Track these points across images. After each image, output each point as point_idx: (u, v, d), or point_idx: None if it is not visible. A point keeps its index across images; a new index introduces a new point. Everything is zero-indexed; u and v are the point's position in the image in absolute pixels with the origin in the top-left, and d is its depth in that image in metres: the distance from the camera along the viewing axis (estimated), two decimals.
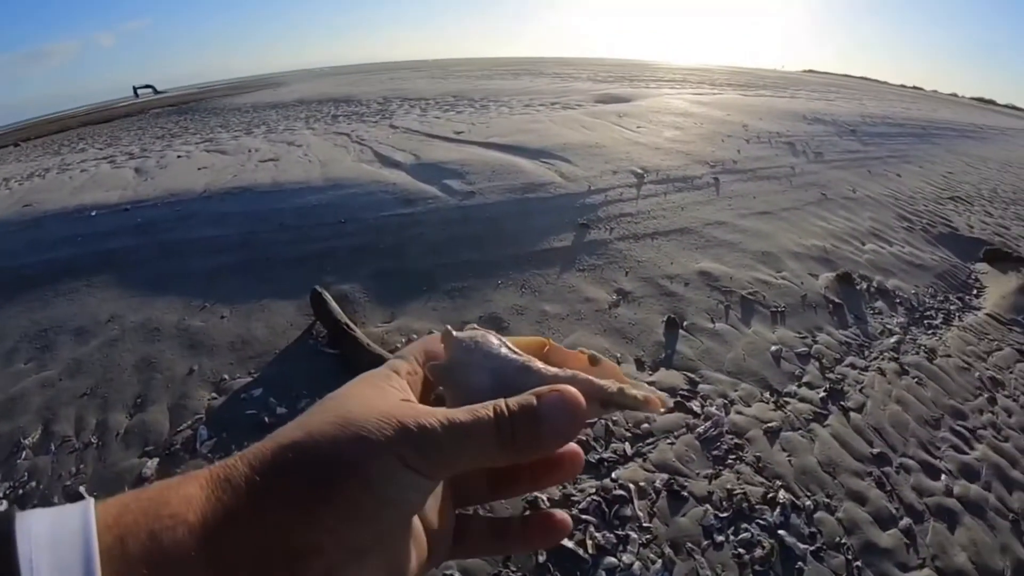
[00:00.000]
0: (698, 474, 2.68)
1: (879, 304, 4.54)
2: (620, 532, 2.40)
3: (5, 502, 2.66)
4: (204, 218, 5.86)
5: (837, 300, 4.42)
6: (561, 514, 0.49)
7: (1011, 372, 4.00)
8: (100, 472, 2.79)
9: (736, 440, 2.90)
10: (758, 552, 2.38)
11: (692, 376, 3.35)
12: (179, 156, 9.49)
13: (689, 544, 2.39)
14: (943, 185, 8.72)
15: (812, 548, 2.43)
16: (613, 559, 2.31)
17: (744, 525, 2.48)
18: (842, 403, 3.30)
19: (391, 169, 7.17)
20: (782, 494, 2.61)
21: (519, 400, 0.41)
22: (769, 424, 3.03)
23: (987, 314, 4.72)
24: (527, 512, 0.50)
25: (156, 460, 2.82)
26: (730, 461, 2.78)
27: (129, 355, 3.67)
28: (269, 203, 6.14)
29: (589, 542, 2.35)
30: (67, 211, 6.46)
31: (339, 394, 0.42)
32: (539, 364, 0.45)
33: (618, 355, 3.49)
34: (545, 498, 2.49)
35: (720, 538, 2.41)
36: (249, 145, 9.84)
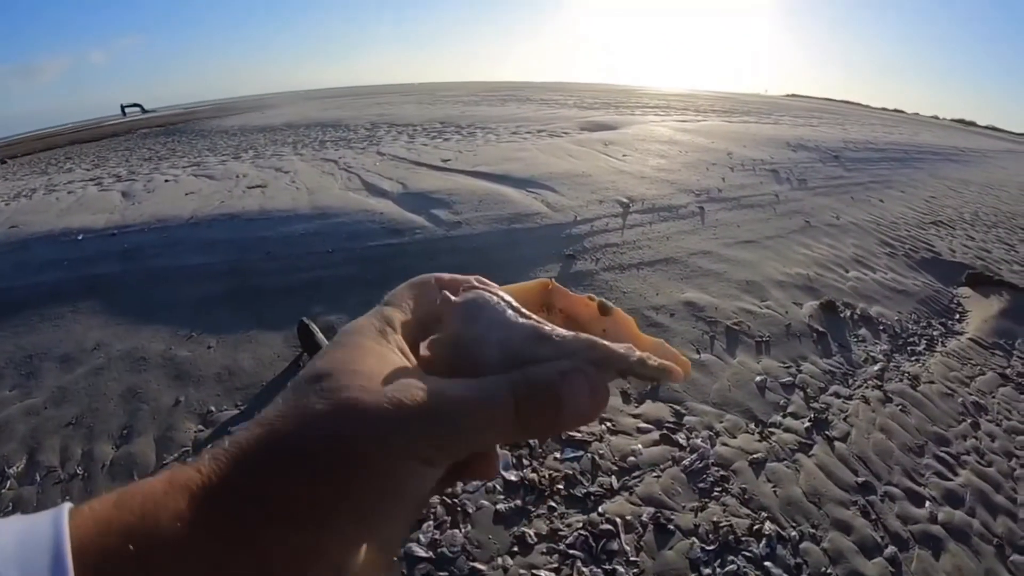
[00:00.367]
0: (684, 507, 2.70)
1: (863, 331, 4.59)
2: (607, 566, 2.40)
3: None
4: (191, 245, 5.88)
5: (821, 328, 4.47)
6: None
7: (993, 396, 4.05)
8: None
9: (722, 472, 2.93)
10: None
11: (678, 408, 3.37)
12: (166, 180, 9.53)
13: None
14: (925, 210, 8.84)
15: None
16: None
17: (731, 557, 2.49)
18: (827, 432, 3.33)
19: (378, 198, 7.22)
20: (768, 525, 2.63)
21: (539, 379, 0.37)
22: (754, 455, 3.06)
23: (970, 339, 4.78)
24: None
25: None
26: (716, 493, 2.80)
27: (115, 384, 3.66)
28: (256, 231, 6.17)
29: None
30: (53, 234, 6.47)
31: (333, 368, 0.37)
32: (548, 328, 0.40)
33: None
34: (532, 532, 2.50)
35: (707, 571, 2.42)
36: (237, 170, 9.89)
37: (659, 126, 14.97)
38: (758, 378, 3.76)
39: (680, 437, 3.14)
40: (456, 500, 2.65)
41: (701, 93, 51.71)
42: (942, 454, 3.35)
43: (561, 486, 2.77)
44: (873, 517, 2.80)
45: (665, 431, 3.18)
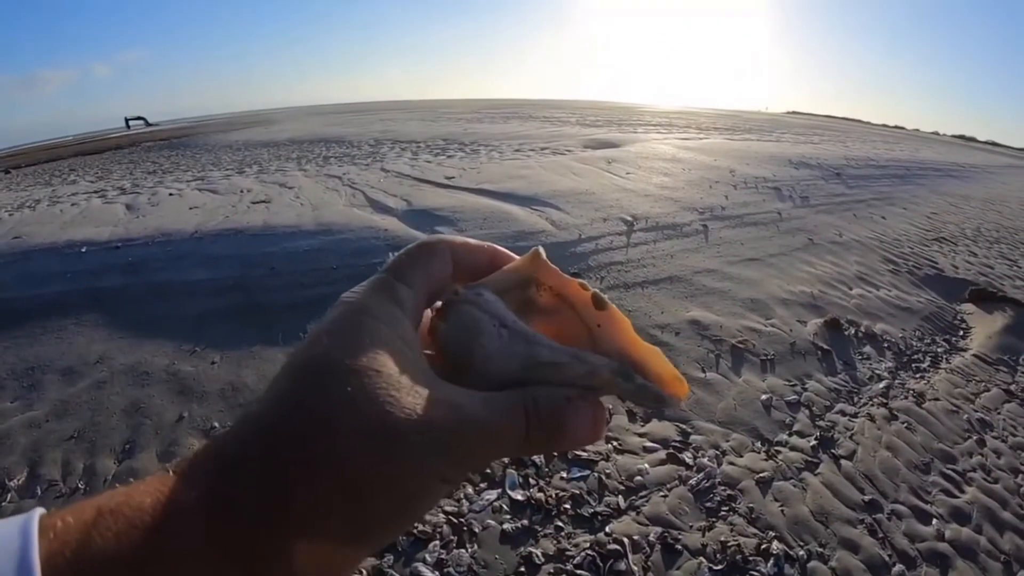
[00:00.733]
0: (691, 526, 2.70)
1: (867, 349, 4.60)
2: None
3: None
4: (195, 260, 5.88)
5: (826, 346, 4.48)
6: None
7: (999, 413, 4.04)
8: None
9: (729, 491, 2.93)
10: None
11: (684, 427, 3.37)
12: (171, 194, 9.55)
13: None
14: (927, 226, 8.86)
15: None
16: None
17: None
18: (833, 451, 3.33)
19: (382, 215, 7.25)
20: (775, 545, 2.63)
21: (547, 404, 0.38)
22: (761, 474, 3.06)
23: (974, 355, 4.77)
24: None
25: None
26: (723, 512, 2.80)
27: (118, 398, 3.64)
28: (260, 246, 6.17)
29: None
30: (57, 246, 6.47)
31: (356, 361, 0.35)
32: (546, 349, 0.40)
33: (610, 406, 3.52)
34: (540, 552, 2.50)
35: None
36: (241, 185, 9.92)
37: (662, 144, 15.04)
38: (763, 396, 3.76)
39: (686, 456, 3.14)
40: (462, 520, 2.65)
41: (703, 111, 51.92)
42: (948, 471, 3.34)
43: (568, 506, 2.77)
44: (880, 535, 2.80)
45: (671, 450, 3.18)
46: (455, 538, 2.56)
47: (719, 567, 2.51)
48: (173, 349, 4.20)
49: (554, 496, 2.81)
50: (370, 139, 17.37)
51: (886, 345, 4.71)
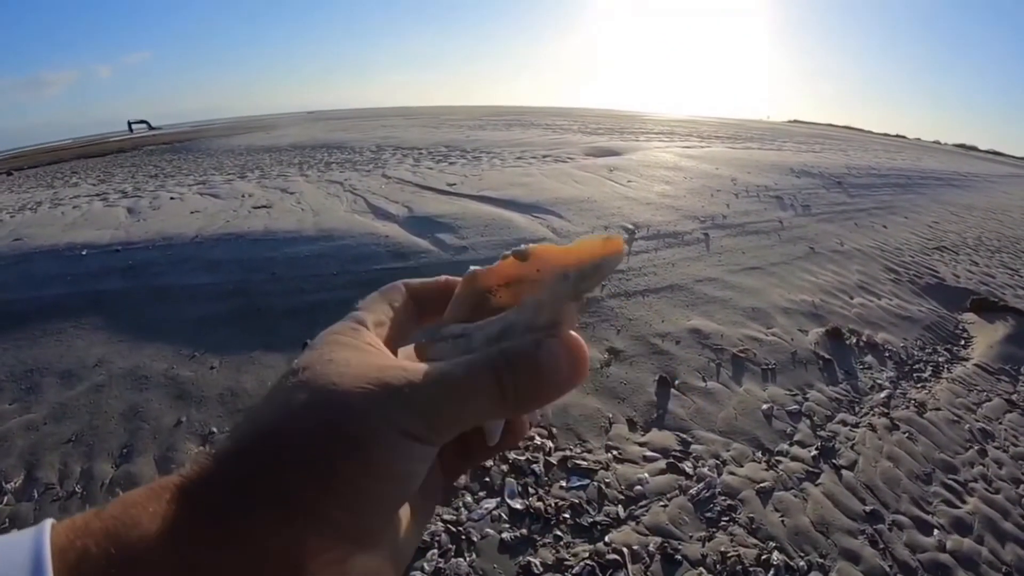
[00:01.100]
0: (691, 537, 2.69)
1: (869, 358, 4.59)
2: None
3: None
4: (196, 264, 5.88)
5: (827, 356, 4.47)
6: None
7: (1000, 423, 4.03)
8: None
9: (729, 501, 2.92)
10: None
11: (684, 436, 3.37)
12: (172, 198, 9.56)
13: None
14: (929, 235, 8.86)
15: None
16: None
17: None
18: (834, 461, 3.32)
19: (384, 221, 7.25)
20: (776, 555, 2.62)
21: (516, 348, 0.38)
22: (761, 484, 3.05)
23: (975, 364, 4.77)
24: None
25: None
26: (723, 523, 2.79)
27: (116, 402, 3.64)
28: (261, 251, 6.17)
29: None
30: (58, 248, 6.47)
31: (310, 363, 0.37)
32: (496, 318, 0.41)
33: (610, 415, 3.52)
34: (538, 562, 2.49)
35: None
36: (242, 190, 9.93)
37: (663, 152, 15.04)
38: (764, 406, 3.75)
39: (687, 466, 3.13)
40: (460, 528, 2.65)
41: (705, 119, 52.03)
42: (950, 481, 3.33)
43: (567, 515, 2.76)
44: (881, 546, 2.78)
45: (672, 459, 3.17)
46: (453, 547, 2.56)
47: None
48: (172, 353, 4.20)
49: (553, 505, 2.81)
50: (372, 145, 17.42)
51: (887, 354, 4.70)
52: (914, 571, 2.69)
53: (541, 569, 2.47)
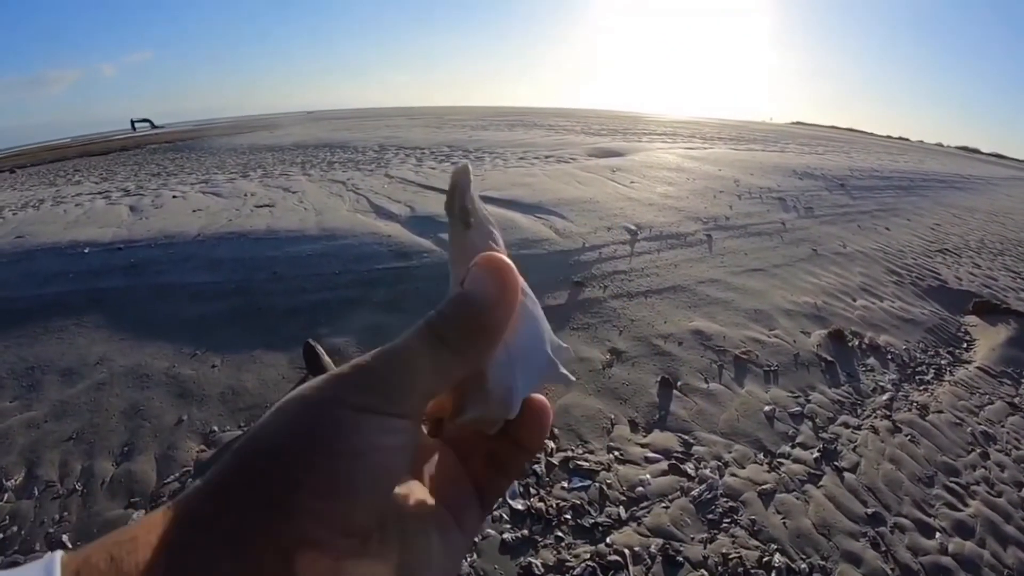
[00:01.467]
0: (693, 538, 2.69)
1: (871, 361, 4.58)
2: None
3: None
4: (198, 263, 5.90)
5: (829, 358, 4.46)
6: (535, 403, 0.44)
7: (1003, 426, 4.02)
8: (84, 521, 2.74)
9: (731, 503, 2.91)
10: None
11: (686, 438, 3.36)
12: (174, 196, 9.58)
13: None
14: (931, 238, 8.85)
15: None
16: None
17: None
18: (836, 463, 3.31)
19: (386, 221, 7.27)
20: (777, 558, 2.61)
21: (448, 296, 0.39)
22: (763, 486, 3.04)
23: (978, 367, 4.76)
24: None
25: (142, 512, 2.77)
26: (725, 524, 2.79)
27: (117, 400, 3.64)
28: (263, 250, 6.18)
29: None
30: (60, 246, 6.50)
31: None
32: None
33: (612, 416, 3.51)
34: (540, 563, 2.49)
35: None
36: (245, 189, 9.96)
37: (666, 153, 15.05)
38: (767, 408, 3.75)
39: (689, 467, 3.13)
40: None
41: (708, 121, 52.02)
42: (952, 484, 3.32)
43: (568, 516, 2.76)
44: (883, 549, 2.78)
45: (673, 461, 3.17)
46: None
47: None
48: (173, 352, 4.20)
49: (555, 506, 2.80)
50: (375, 145, 17.44)
51: (890, 357, 4.70)
52: (916, 574, 2.68)
53: (542, 570, 2.47)
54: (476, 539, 2.59)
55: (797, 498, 3.01)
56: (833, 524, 2.87)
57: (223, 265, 5.77)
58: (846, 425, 3.71)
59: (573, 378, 0.42)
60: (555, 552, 2.56)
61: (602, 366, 4.07)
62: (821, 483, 3.14)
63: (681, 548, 2.62)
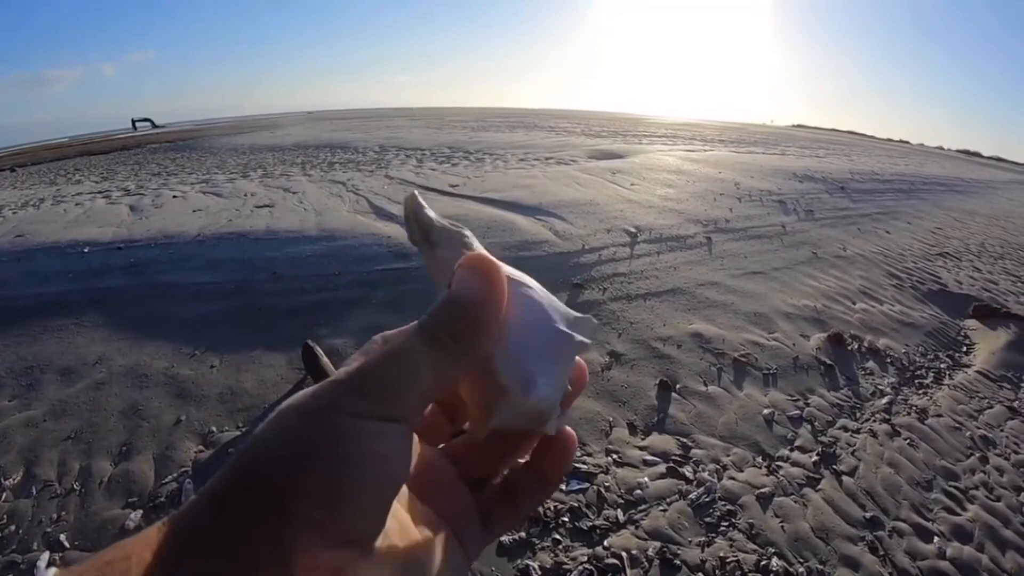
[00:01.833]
0: (691, 541, 2.68)
1: (870, 364, 4.58)
2: None
3: None
4: (197, 263, 5.90)
5: (829, 361, 4.46)
6: (562, 432, 0.43)
7: (1002, 430, 4.02)
8: (82, 520, 2.74)
9: (729, 506, 2.91)
10: None
11: (684, 441, 3.36)
12: (174, 196, 9.58)
13: None
14: (931, 241, 8.85)
15: None
16: None
17: None
18: (834, 467, 3.31)
19: (386, 221, 7.27)
20: (775, 561, 2.61)
21: (436, 300, 0.39)
22: (762, 489, 3.04)
23: (977, 371, 4.75)
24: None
25: (139, 512, 2.77)
26: (723, 528, 2.78)
27: (116, 400, 3.64)
28: (263, 251, 6.18)
29: None
30: (60, 245, 6.50)
31: None
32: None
33: (610, 418, 3.51)
34: (537, 566, 2.49)
35: None
36: (245, 189, 9.96)
37: (667, 155, 15.06)
38: (765, 411, 3.74)
39: (687, 470, 3.12)
40: None
41: (709, 123, 52.07)
42: (950, 488, 3.32)
43: (566, 518, 2.76)
44: (881, 553, 2.78)
45: (672, 464, 3.16)
46: None
47: None
48: (172, 352, 4.20)
49: (552, 508, 2.80)
50: (375, 146, 17.44)
51: (889, 360, 4.69)
52: None
53: (540, 573, 2.46)
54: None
55: (795, 502, 3.00)
56: (831, 528, 2.87)
57: (223, 265, 5.77)
58: (845, 429, 3.71)
59: (588, 341, 0.41)
60: (552, 555, 2.56)
61: (601, 368, 4.07)
62: (819, 487, 3.14)
63: (679, 551, 2.62)
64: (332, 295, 5.07)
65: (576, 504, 2.84)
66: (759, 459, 3.30)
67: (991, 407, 4.27)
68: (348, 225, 6.97)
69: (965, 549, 2.90)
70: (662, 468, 3.13)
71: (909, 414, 3.98)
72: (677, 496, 2.95)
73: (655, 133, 26.76)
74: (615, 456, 3.18)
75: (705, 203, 9.16)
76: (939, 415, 4.03)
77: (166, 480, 2.98)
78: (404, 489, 0.41)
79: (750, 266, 6.35)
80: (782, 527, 2.83)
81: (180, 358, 4.12)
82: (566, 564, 2.52)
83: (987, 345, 5.26)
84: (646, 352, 4.30)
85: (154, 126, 53.75)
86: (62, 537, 2.64)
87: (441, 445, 0.47)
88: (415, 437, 0.41)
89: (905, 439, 3.68)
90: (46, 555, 2.54)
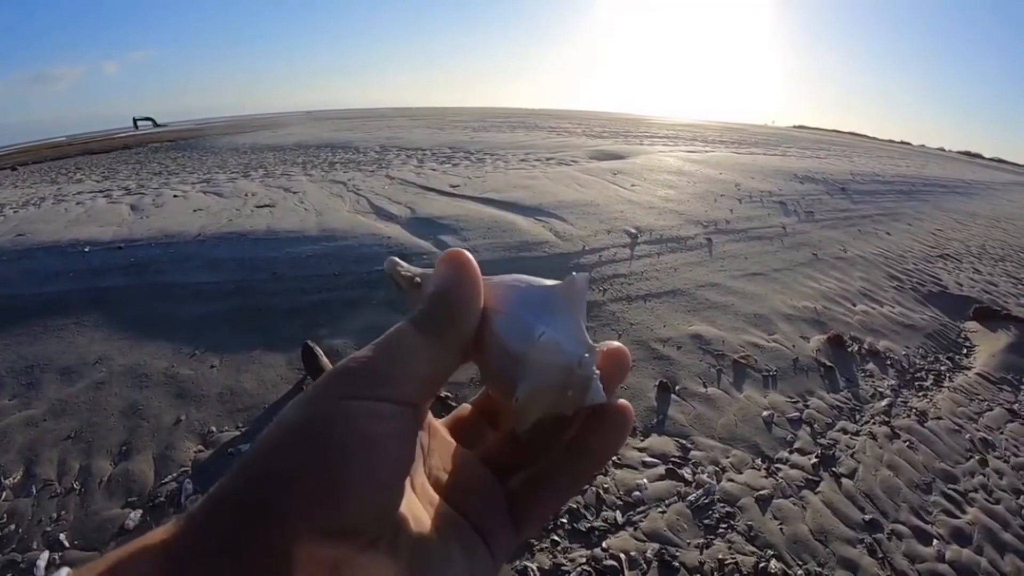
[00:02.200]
0: (689, 543, 2.68)
1: (870, 366, 4.58)
2: None
3: None
4: (198, 262, 5.89)
5: (828, 363, 4.46)
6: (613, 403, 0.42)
7: (1001, 433, 4.02)
8: (82, 520, 2.74)
9: (728, 508, 2.91)
10: None
11: (684, 442, 3.36)
12: (175, 195, 9.56)
13: None
14: (932, 243, 8.85)
15: None
16: None
17: None
18: (833, 469, 3.31)
19: (386, 222, 7.27)
20: (774, 563, 2.61)
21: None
22: (761, 491, 3.04)
23: (977, 374, 4.75)
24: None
25: (139, 512, 2.77)
26: (721, 530, 2.78)
27: (115, 400, 3.63)
28: (263, 251, 6.17)
29: None
30: (60, 245, 6.49)
31: None
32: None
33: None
34: (535, 567, 2.49)
35: None
36: (246, 189, 9.93)
37: (668, 156, 15.05)
38: (765, 413, 3.74)
39: (686, 472, 3.12)
40: None
41: (710, 124, 52.03)
42: (950, 491, 3.32)
43: (564, 520, 2.76)
44: (880, 555, 2.78)
45: (671, 465, 3.16)
46: None
47: None
48: (172, 351, 4.20)
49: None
50: (376, 146, 17.42)
51: (889, 362, 4.69)
52: None
53: (538, 574, 2.46)
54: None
55: (794, 504, 3.00)
56: (830, 530, 2.87)
57: (223, 265, 5.77)
58: (844, 431, 3.71)
59: (581, 278, 0.41)
60: (551, 556, 2.56)
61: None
62: (819, 489, 3.14)
63: (677, 553, 2.62)
64: (332, 295, 5.08)
65: (574, 505, 2.84)
66: (758, 461, 3.30)
67: (991, 409, 4.27)
68: (348, 225, 6.97)
69: (964, 552, 2.90)
70: (661, 470, 3.13)
71: (909, 416, 3.98)
72: (676, 498, 2.95)
73: (656, 134, 26.72)
74: (614, 457, 3.18)
75: (706, 204, 9.16)
76: (939, 417, 4.03)
77: (166, 480, 2.98)
78: (430, 491, 0.41)
79: (750, 267, 6.35)
80: (781, 529, 2.83)
81: (180, 358, 4.12)
82: (564, 565, 2.52)
83: (987, 347, 5.26)
84: (646, 353, 4.30)
85: (156, 125, 53.74)
86: (62, 536, 2.64)
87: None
88: (428, 428, 0.43)
89: (904, 441, 3.68)
90: (46, 554, 2.54)
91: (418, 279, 0.46)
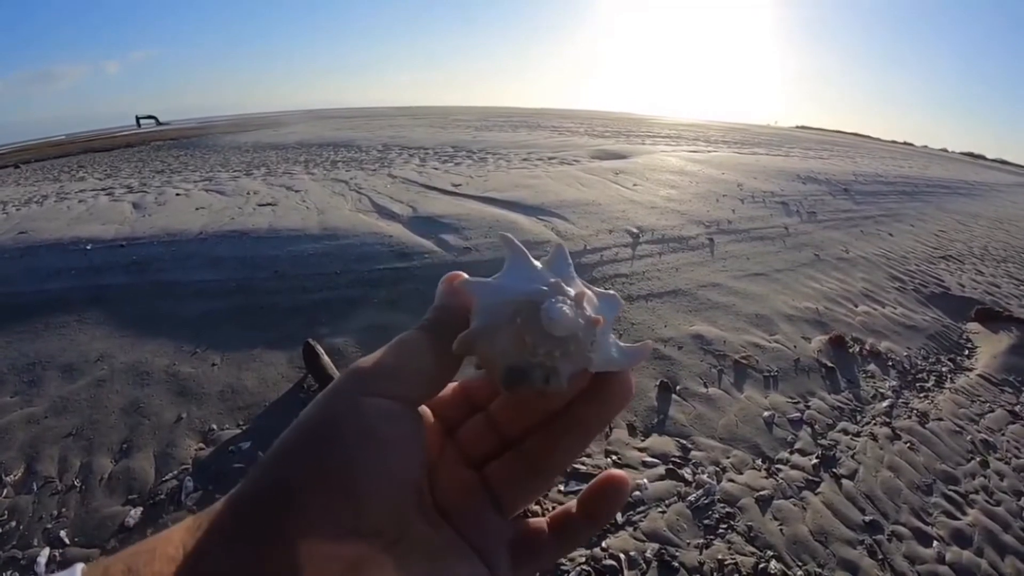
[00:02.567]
0: (689, 544, 2.68)
1: (871, 367, 4.57)
2: None
3: None
4: (199, 260, 5.89)
5: (830, 364, 4.46)
6: (613, 472, 0.45)
7: (1003, 434, 4.01)
8: (82, 517, 2.74)
9: (728, 509, 2.91)
10: None
11: (684, 442, 3.36)
12: (177, 194, 9.56)
13: None
14: (935, 244, 8.83)
15: None
16: None
17: None
18: (834, 470, 3.31)
19: (388, 221, 7.27)
20: (773, 564, 2.61)
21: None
22: (761, 492, 3.04)
23: (979, 375, 4.74)
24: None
25: (140, 509, 2.77)
26: (721, 530, 2.78)
27: (117, 397, 3.64)
28: (265, 249, 6.17)
29: None
30: (62, 242, 6.49)
31: None
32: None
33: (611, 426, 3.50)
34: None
35: None
36: (248, 187, 9.92)
37: (670, 156, 15.03)
38: (766, 413, 3.74)
39: (686, 472, 3.12)
40: None
41: (712, 124, 51.98)
42: (950, 493, 3.32)
43: None
44: (880, 557, 2.77)
45: (671, 465, 3.16)
46: None
47: None
48: (174, 349, 4.20)
49: (550, 509, 2.79)
50: (379, 144, 17.41)
51: (890, 363, 4.68)
52: None
53: (537, 574, 2.46)
54: None
55: (795, 504, 3.00)
56: (830, 531, 2.86)
57: (225, 263, 5.77)
58: (845, 432, 3.70)
59: (559, 238, 0.44)
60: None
61: None
62: (819, 490, 3.14)
63: (677, 553, 2.62)
64: (333, 294, 5.08)
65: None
66: (759, 461, 3.30)
67: (992, 411, 4.26)
68: (350, 224, 6.97)
69: (964, 553, 2.89)
70: (661, 470, 3.13)
71: (910, 417, 3.98)
72: (676, 498, 2.94)
73: (658, 134, 26.69)
74: (614, 457, 3.18)
75: (708, 204, 9.15)
76: (940, 419, 4.02)
77: (166, 477, 2.99)
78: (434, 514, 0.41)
79: (752, 268, 6.34)
80: (781, 530, 2.83)
81: (181, 356, 4.12)
82: (564, 565, 2.51)
83: (989, 348, 5.25)
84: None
85: (158, 123, 53.76)
86: (62, 533, 2.64)
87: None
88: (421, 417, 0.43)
89: (905, 443, 3.68)
90: (46, 551, 2.55)
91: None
